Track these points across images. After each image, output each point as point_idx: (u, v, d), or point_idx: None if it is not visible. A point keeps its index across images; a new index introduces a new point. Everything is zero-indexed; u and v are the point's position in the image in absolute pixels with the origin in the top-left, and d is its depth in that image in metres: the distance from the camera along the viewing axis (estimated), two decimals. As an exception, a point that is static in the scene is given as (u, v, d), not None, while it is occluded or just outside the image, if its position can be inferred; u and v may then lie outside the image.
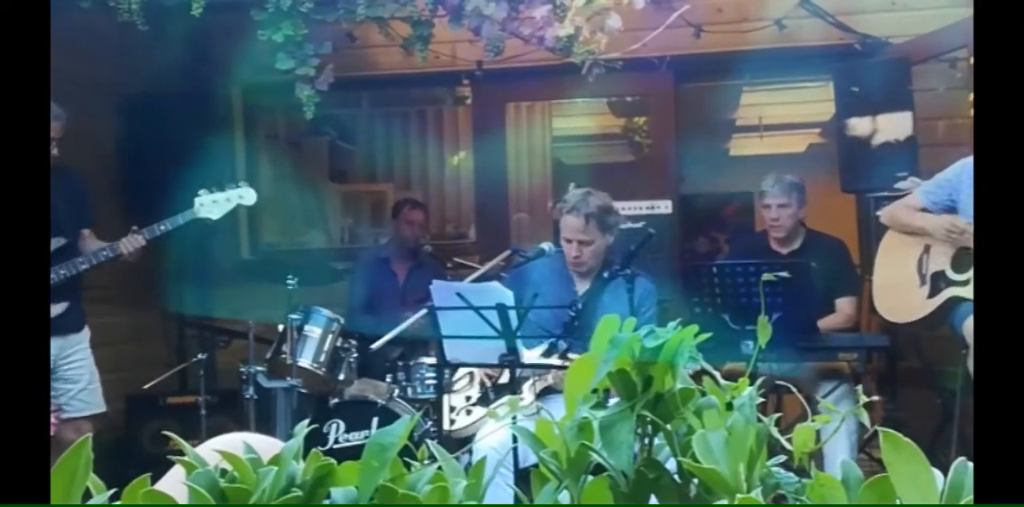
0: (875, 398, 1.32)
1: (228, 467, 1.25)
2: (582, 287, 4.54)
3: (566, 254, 4.51)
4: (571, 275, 4.56)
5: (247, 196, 4.53)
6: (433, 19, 4.66)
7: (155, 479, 1.42)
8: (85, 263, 4.38)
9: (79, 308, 4.55)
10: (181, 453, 1.30)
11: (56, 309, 4.36)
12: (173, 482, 1.36)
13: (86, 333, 4.59)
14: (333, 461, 1.27)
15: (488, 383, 4.49)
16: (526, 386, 4.28)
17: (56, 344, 4.38)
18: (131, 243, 4.37)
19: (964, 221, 4.24)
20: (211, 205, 4.47)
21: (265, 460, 1.27)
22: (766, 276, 2.98)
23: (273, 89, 4.71)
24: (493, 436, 3.84)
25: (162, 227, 4.41)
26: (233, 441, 1.38)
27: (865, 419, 1.31)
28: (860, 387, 1.35)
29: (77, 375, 4.49)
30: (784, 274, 3.37)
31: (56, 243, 4.36)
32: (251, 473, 1.22)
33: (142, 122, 5.89)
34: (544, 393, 4.27)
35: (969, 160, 4.28)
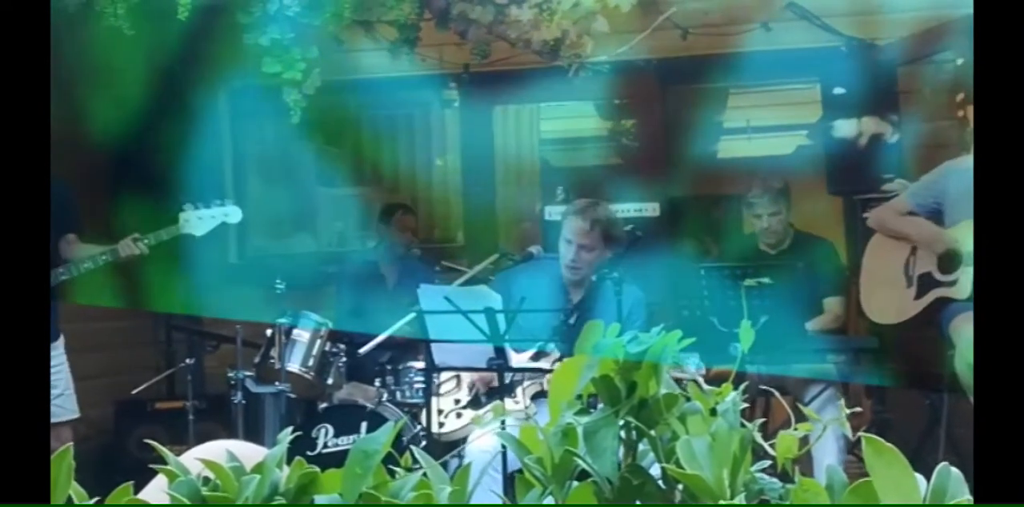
0: (857, 409, 1.33)
1: (211, 475, 1.25)
2: (576, 296, 4.52)
3: (563, 256, 4.45)
4: (566, 284, 4.53)
5: (232, 214, 4.51)
6: (420, 22, 4.66)
7: (141, 485, 1.41)
8: (89, 263, 4.39)
9: (55, 316, 4.56)
10: (165, 461, 1.30)
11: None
12: (157, 491, 1.36)
13: (61, 340, 4.60)
14: (317, 468, 1.27)
15: (482, 389, 4.48)
16: (519, 390, 4.29)
17: None
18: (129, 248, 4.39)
19: (949, 232, 4.25)
20: (196, 221, 4.45)
21: (250, 468, 1.27)
22: (748, 281, 2.99)
23: (260, 93, 4.70)
24: (484, 440, 3.85)
25: (145, 241, 4.39)
26: (217, 449, 1.37)
27: (847, 431, 1.31)
28: (842, 401, 1.35)
29: (55, 380, 4.49)
30: (766, 280, 3.38)
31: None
32: (233, 481, 1.22)
33: (128, 126, 5.87)
34: (537, 397, 4.27)
35: (952, 163, 4.30)
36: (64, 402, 4.52)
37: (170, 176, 5.67)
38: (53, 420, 4.45)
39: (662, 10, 5.23)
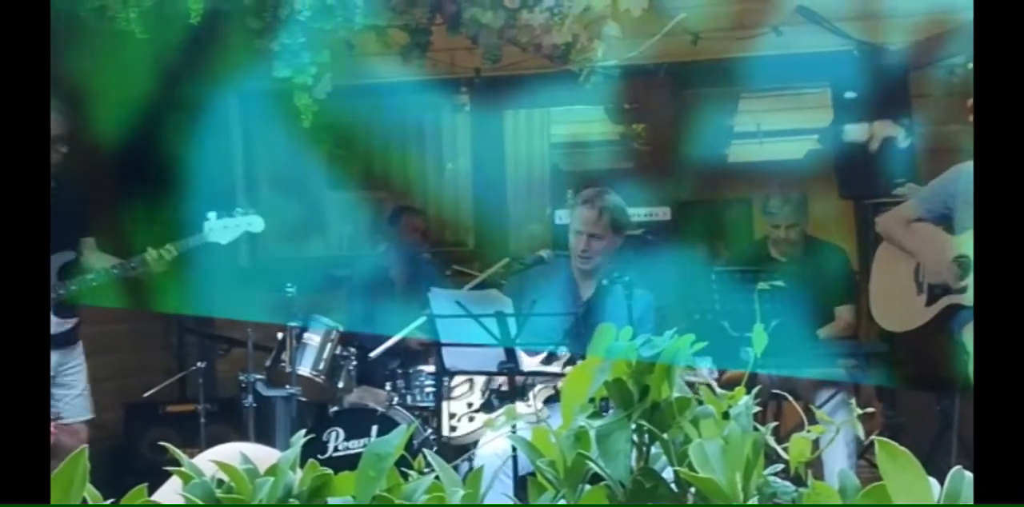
0: (870, 410, 1.33)
1: (225, 478, 1.25)
2: (586, 293, 4.53)
3: (573, 247, 4.48)
4: (576, 281, 4.54)
5: (255, 224, 4.57)
6: (431, 27, 4.67)
7: (154, 488, 1.42)
8: (119, 270, 4.42)
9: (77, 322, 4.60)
10: (179, 463, 1.31)
11: (68, 324, 4.42)
12: (171, 492, 1.36)
13: (80, 341, 4.65)
14: (330, 471, 1.27)
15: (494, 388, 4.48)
16: (532, 393, 4.28)
17: (59, 354, 4.44)
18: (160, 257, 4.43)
19: (955, 241, 4.24)
20: (221, 230, 4.51)
21: (263, 470, 1.27)
22: (761, 285, 2.99)
23: (271, 97, 4.71)
24: (495, 443, 3.85)
25: (170, 250, 4.44)
26: (230, 451, 1.38)
27: (860, 432, 1.31)
28: (853, 400, 1.35)
29: (74, 381, 4.55)
30: (780, 284, 3.38)
31: (66, 257, 4.39)
32: (247, 483, 1.23)
33: (138, 130, 5.89)
34: (550, 401, 4.26)
35: (963, 166, 4.28)
36: (82, 402, 4.58)
37: (181, 181, 5.69)
38: (70, 420, 4.51)
39: (673, 14, 5.23)
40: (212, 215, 4.52)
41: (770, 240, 5.29)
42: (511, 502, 1.50)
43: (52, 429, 4.35)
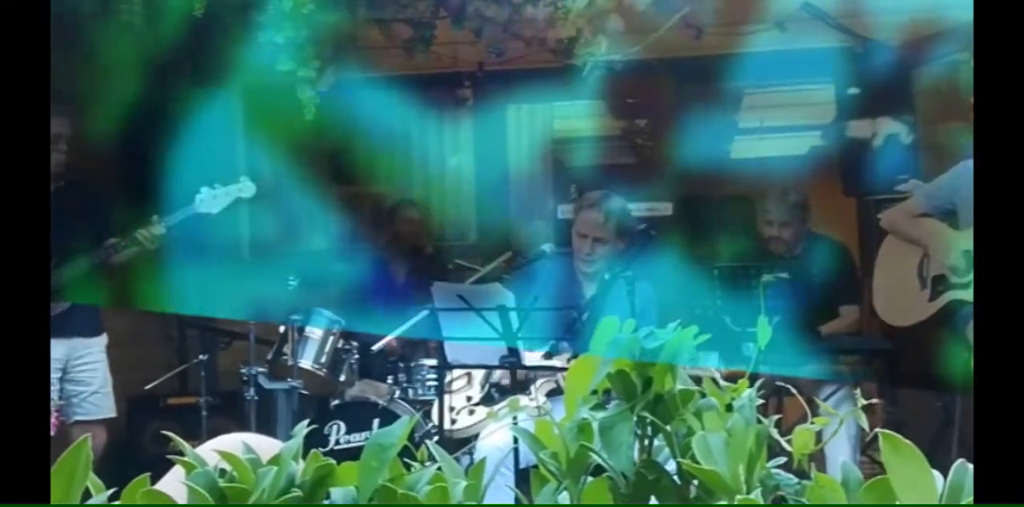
0: (874, 401, 1.33)
1: (228, 467, 1.25)
2: (589, 291, 4.52)
3: (577, 250, 4.46)
4: (580, 278, 4.54)
5: (246, 189, 4.54)
6: (435, 21, 4.67)
7: (155, 480, 1.42)
8: (108, 251, 4.41)
9: (96, 312, 4.57)
10: (181, 453, 1.31)
11: (56, 308, 4.38)
12: (173, 482, 1.36)
13: (102, 338, 4.61)
14: (333, 461, 1.27)
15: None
16: (534, 387, 4.29)
17: (65, 345, 4.40)
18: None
19: (960, 240, 4.24)
20: (211, 200, 4.48)
21: (265, 460, 1.27)
22: (766, 278, 2.99)
23: (274, 90, 4.71)
24: (496, 436, 3.85)
25: (159, 226, 4.42)
26: (233, 441, 1.38)
27: (864, 423, 1.31)
28: (858, 391, 1.35)
29: (89, 378, 4.52)
30: (784, 275, 3.37)
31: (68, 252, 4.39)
32: (250, 473, 1.23)
33: (138, 124, 5.88)
34: (551, 394, 4.27)
35: (967, 162, 4.28)
36: (98, 400, 4.54)
37: (179, 175, 5.69)
38: (84, 418, 4.48)
39: (676, 9, 5.22)
40: (205, 188, 4.50)
41: (767, 239, 5.28)
42: (512, 493, 1.49)
43: (57, 426, 4.32)
